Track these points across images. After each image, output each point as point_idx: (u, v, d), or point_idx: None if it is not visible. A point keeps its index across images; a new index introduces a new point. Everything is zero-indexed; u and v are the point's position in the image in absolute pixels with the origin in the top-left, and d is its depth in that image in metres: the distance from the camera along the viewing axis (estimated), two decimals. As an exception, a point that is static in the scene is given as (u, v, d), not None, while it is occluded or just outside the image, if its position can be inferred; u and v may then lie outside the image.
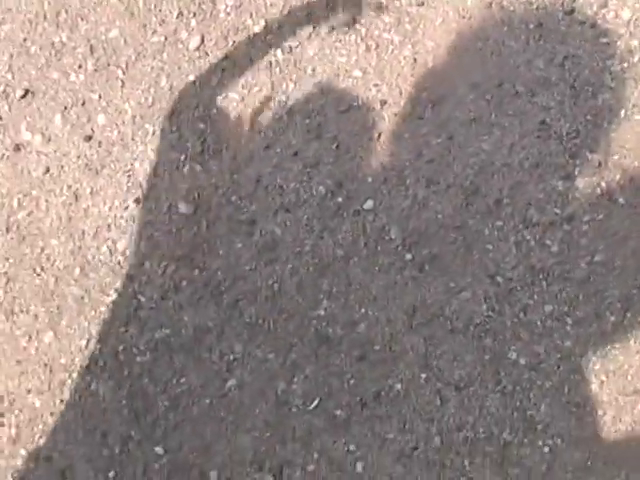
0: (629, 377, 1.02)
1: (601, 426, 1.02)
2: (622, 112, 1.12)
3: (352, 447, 1.03)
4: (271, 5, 1.24)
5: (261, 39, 1.18)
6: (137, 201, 1.19)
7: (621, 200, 1.12)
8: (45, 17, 1.33)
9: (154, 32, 1.21)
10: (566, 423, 1.03)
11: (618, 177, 1.12)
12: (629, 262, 1.11)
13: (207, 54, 1.17)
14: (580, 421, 1.01)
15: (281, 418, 1.04)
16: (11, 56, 1.30)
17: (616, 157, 1.12)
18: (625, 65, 1.11)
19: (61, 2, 1.30)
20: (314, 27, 1.17)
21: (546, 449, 1.01)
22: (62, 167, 1.25)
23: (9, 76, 1.30)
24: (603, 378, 1.04)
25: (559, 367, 1.06)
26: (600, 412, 1.05)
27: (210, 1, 1.24)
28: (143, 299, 1.17)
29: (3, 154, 1.25)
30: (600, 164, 1.13)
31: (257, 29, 1.22)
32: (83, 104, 1.29)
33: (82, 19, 1.33)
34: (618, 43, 1.14)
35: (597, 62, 1.13)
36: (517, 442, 1.02)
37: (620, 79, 1.12)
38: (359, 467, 1.01)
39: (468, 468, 1.01)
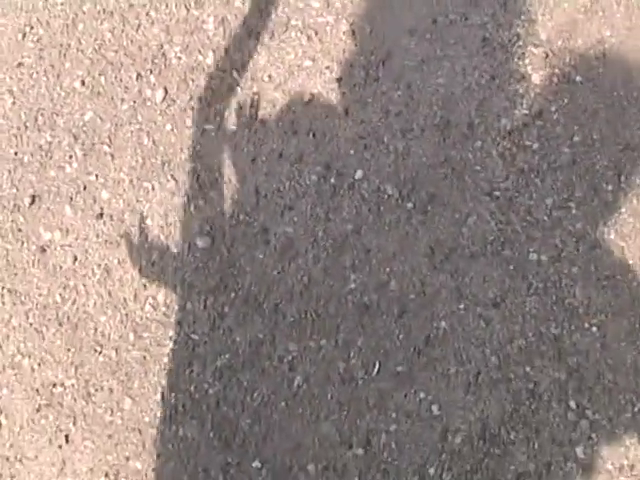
0: (646, 234, 1.20)
1: (636, 288, 1.12)
2: (551, 1, 1.28)
3: (422, 394, 1.15)
4: (214, 35, 1.42)
5: (216, 68, 1.35)
6: (160, 253, 1.36)
7: (578, 79, 1.25)
8: (26, 127, 1.52)
9: (122, 100, 1.43)
10: (603, 298, 1.13)
11: (568, 59, 1.26)
12: (605, 131, 1.22)
13: (174, 101, 1.45)
14: (615, 291, 1.14)
15: (351, 394, 1.16)
16: (9, 172, 1.50)
17: (559, 42, 1.26)
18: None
19: (35, 107, 1.49)
20: (257, 39, 1.33)
21: (594, 329, 1.14)
22: (86, 251, 1.42)
23: (14, 190, 1.49)
24: (622, 244, 1.14)
25: (578, 250, 1.18)
26: (630, 275, 1.17)
27: (160, 54, 1.42)
28: (196, 337, 1.34)
29: (32, 259, 1.43)
30: (547, 54, 1.27)
31: (209, 61, 1.41)
32: (85, 188, 1.48)
33: (57, 115, 1.53)
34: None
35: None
36: (566, 332, 1.15)
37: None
38: (435, 410, 1.13)
39: (531, 373, 1.13)
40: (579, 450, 1.10)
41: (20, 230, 1.34)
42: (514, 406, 1.14)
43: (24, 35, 1.60)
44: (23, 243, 1.33)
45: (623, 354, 1.10)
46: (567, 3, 1.27)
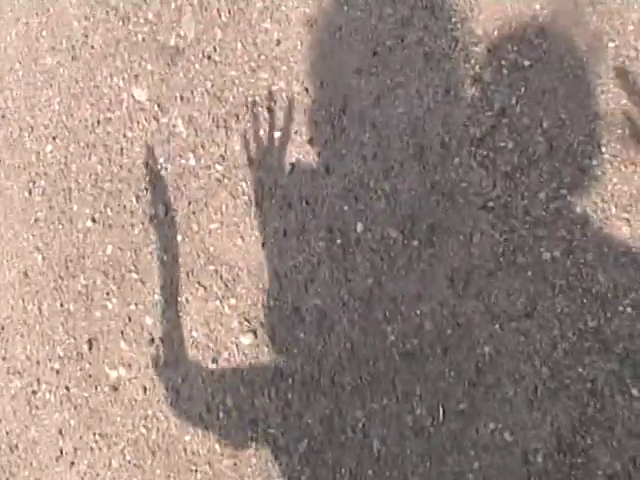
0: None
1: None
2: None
3: (492, 425, 1.99)
4: (187, 136, 2.42)
5: (200, 167, 2.41)
6: (214, 359, 2.62)
7: (526, 63, 2.02)
8: (61, 277, 2.94)
9: (132, 226, 2.40)
10: (627, 276, 1.92)
11: (510, 47, 2.04)
12: (570, 107, 1.99)
13: (176, 211, 2.40)
14: (635, 265, 1.91)
15: (428, 444, 2.03)
16: (62, 324, 2.78)
17: (496, 32, 2.06)
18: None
19: (62, 257, 2.45)
20: (225, 126, 2.38)
21: (629, 309, 1.89)
22: (152, 379, 2.32)
23: (71, 339, 2.83)
24: (625, 215, 1.91)
25: (586, 235, 1.95)
26: (645, 240, 1.69)
27: (149, 170, 2.50)
28: (273, 430, 2.16)
29: (109, 400, 2.62)
30: (489, 49, 2.05)
31: (192, 162, 2.35)
32: (130, 319, 2.71)
33: (83, 257, 2.79)
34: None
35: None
36: (604, 321, 1.91)
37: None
38: (507, 437, 1.98)
39: (585, 372, 1.92)
40: None
41: (90, 376, 2.39)
42: (580, 410, 1.92)
43: (30, 191, 2.95)
44: (96, 387, 2.39)
45: (667, 325, 1.65)
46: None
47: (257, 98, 2.16)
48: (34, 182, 2.45)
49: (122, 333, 2.36)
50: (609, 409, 1.95)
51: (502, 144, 1.93)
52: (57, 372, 2.42)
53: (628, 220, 1.81)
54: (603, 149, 1.84)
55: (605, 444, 1.94)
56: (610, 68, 1.96)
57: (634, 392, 1.90)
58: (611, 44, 1.85)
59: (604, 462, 1.94)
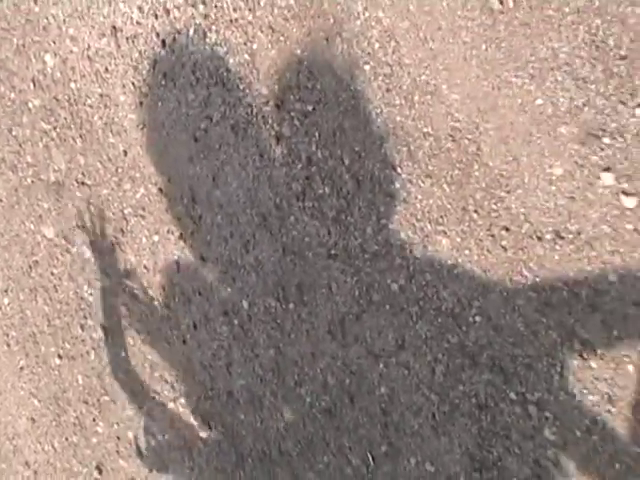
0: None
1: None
2: (249, 57, 2.58)
3: (413, 460, 2.41)
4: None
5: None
6: (190, 459, 3.41)
7: (309, 108, 2.46)
8: (58, 415, 3.88)
9: (88, 353, 3.08)
10: (462, 285, 2.38)
11: (291, 97, 2.52)
12: (360, 137, 2.43)
13: (113, 337, 3.48)
14: (463, 267, 2.37)
15: None
16: (73, 456, 3.87)
17: (276, 88, 2.53)
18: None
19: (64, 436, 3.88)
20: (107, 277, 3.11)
21: (477, 318, 2.32)
22: None
23: (84, 469, 3.09)
24: (442, 228, 2.34)
25: (417, 257, 2.42)
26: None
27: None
28: None
29: None
30: (277, 105, 2.52)
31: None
32: (118, 438, 3.36)
33: (65, 392, 3.73)
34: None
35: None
36: (462, 336, 2.33)
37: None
38: (429, 467, 2.42)
39: (466, 389, 2.37)
40: (547, 432, 2.23)
41: None
42: (477, 426, 2.31)
43: (8, 344, 3.60)
44: None
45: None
46: (256, 47, 2.53)
47: (126, 210, 2.93)
48: (7, 335, 3.38)
49: (117, 452, 3.23)
50: (499, 418, 2.37)
51: (320, 192, 2.50)
52: None
53: (445, 232, 2.34)
54: (399, 170, 2.38)
55: (509, 452, 2.31)
56: (375, 89, 2.39)
57: (512, 396, 2.30)
58: (367, 66, 2.40)
59: (514, 470, 2.36)
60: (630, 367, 2.15)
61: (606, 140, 2.10)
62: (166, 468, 2.91)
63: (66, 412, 3.13)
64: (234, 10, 2.40)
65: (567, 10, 2.07)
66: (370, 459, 2.65)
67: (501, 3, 2.02)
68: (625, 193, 1.97)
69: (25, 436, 3.28)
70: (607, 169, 2.12)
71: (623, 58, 2.01)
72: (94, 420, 3.02)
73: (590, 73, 2.09)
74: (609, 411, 2.21)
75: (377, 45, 2.25)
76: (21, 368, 3.21)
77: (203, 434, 2.80)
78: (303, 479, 2.73)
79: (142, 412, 2.93)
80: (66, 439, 3.13)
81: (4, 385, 3.29)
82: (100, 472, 3.06)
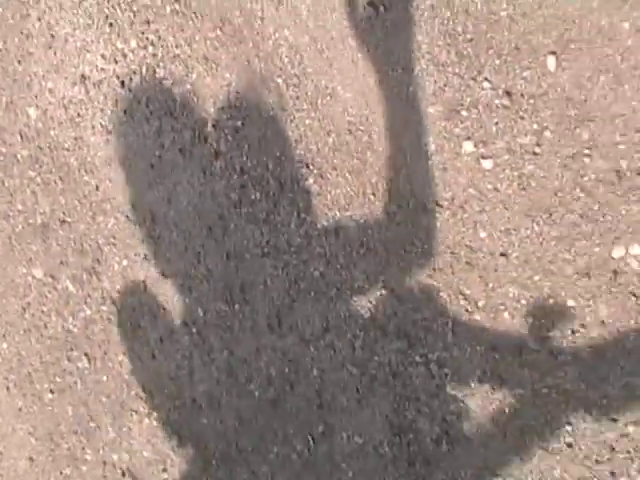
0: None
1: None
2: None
3: (344, 435, 2.95)
4: None
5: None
6: (164, 471, 4.06)
7: (239, 123, 3.17)
8: (52, 450, 4.58)
9: (76, 383, 3.80)
10: (365, 262, 3.09)
11: (223, 116, 3.19)
12: (279, 143, 3.12)
13: (95, 364, 4.29)
14: (369, 244, 3.22)
15: (313, 474, 3.18)
16: None
17: (211, 110, 3.30)
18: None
19: None
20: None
21: (383, 291, 2.83)
22: None
23: None
24: (347, 214, 3.25)
25: (330, 242, 3.07)
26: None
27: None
28: None
29: None
30: (214, 125, 3.17)
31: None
32: (105, 463, 4.02)
33: (58, 425, 4.48)
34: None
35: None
36: (374, 310, 2.91)
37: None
38: (358, 440, 2.95)
39: (380, 359, 2.90)
40: (449, 388, 2.66)
41: None
42: (392, 393, 2.80)
43: (7, 387, 4.70)
44: None
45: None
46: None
47: (103, 239, 3.73)
48: (7, 378, 4.14)
49: (104, 477, 3.95)
50: (408, 382, 2.89)
51: (253, 197, 3.25)
52: None
53: (351, 217, 3.05)
54: (311, 167, 3.13)
55: (420, 413, 2.94)
56: (287, 98, 3.09)
57: (417, 359, 2.97)
58: (279, 79, 3.19)
59: (427, 430, 3.04)
60: (506, 314, 2.64)
61: (464, 113, 2.66)
62: None
63: (59, 446, 3.83)
64: (176, 47, 3.13)
65: (423, 7, 2.71)
66: (311, 441, 3.18)
67: (375, 9, 2.74)
68: (483, 157, 2.58)
69: (24, 477, 3.99)
70: (468, 138, 2.68)
71: (469, 41, 2.58)
72: (83, 449, 3.72)
73: (447, 58, 2.68)
74: (495, 358, 2.83)
75: (286, 60, 2.91)
76: (19, 409, 3.94)
77: (174, 445, 3.46)
78: (259, 473, 3.18)
79: (123, 432, 3.64)
80: (60, 473, 3.83)
81: (6, 429, 4.01)
82: None
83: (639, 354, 2.37)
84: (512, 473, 2.63)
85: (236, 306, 3.04)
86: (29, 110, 3.49)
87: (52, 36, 3.64)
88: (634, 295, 2.33)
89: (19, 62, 3.53)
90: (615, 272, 2.36)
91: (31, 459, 3.82)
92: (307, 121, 2.93)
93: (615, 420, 2.58)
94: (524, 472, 2.62)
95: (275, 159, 2.90)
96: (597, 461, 2.46)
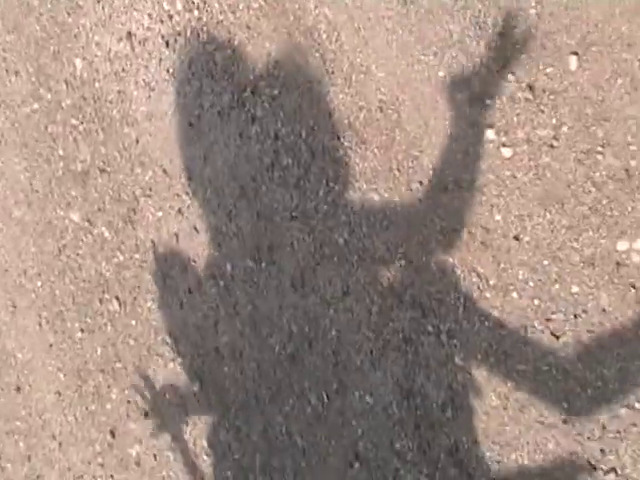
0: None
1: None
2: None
3: (357, 394, 3.24)
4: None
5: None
6: (186, 413, 4.41)
7: (275, 92, 3.40)
8: (79, 387, 4.91)
9: (105, 325, 4.22)
10: (389, 233, 3.26)
11: (262, 83, 3.47)
12: (314, 113, 3.43)
13: (125, 309, 4.63)
14: (390, 218, 3.29)
15: (325, 428, 3.52)
16: (92, 425, 4.80)
17: (251, 77, 3.51)
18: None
19: None
20: None
21: (402, 262, 3.07)
22: (158, 450, 4.62)
23: (100, 435, 4.43)
24: (374, 187, 3.26)
25: (356, 213, 3.32)
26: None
27: None
28: (236, 456, 4.19)
29: (136, 475, 4.76)
30: (252, 91, 3.42)
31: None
32: (128, 402, 4.43)
33: (86, 363, 4.78)
34: None
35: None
36: (392, 279, 3.08)
37: None
38: (369, 399, 3.31)
39: (395, 325, 3.20)
40: (457, 359, 3.25)
41: (121, 459, 4.02)
42: (403, 358, 3.06)
43: (40, 324, 4.50)
44: (127, 467, 4.06)
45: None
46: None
47: (139, 190, 4.08)
48: (39, 315, 4.51)
49: (128, 416, 4.33)
50: (420, 349, 3.19)
51: (285, 163, 3.55)
52: (102, 465, 4.45)
53: (376, 189, 3.36)
54: (342, 139, 3.43)
55: (428, 379, 3.25)
56: (323, 72, 3.34)
57: (429, 328, 3.29)
58: (317, 54, 3.48)
59: (433, 395, 3.29)
60: (515, 294, 2.95)
61: (488, 102, 2.89)
62: (166, 426, 3.98)
63: (86, 382, 4.19)
64: (220, 13, 3.41)
65: None
66: (325, 397, 3.46)
67: None
68: (504, 145, 2.84)
69: (52, 410, 4.33)
70: (490, 126, 2.93)
71: (499, 34, 2.82)
72: (109, 387, 4.08)
73: (476, 48, 2.92)
74: (501, 335, 3.12)
75: (324, 36, 3.18)
76: (50, 345, 4.30)
77: (196, 390, 3.82)
78: (273, 422, 3.49)
79: (148, 374, 4.01)
80: (86, 408, 4.19)
81: (36, 363, 4.36)
82: (113, 436, 4.10)
83: (635, 342, 2.66)
84: (510, 442, 2.91)
85: (263, 264, 3.35)
86: (75, 60, 3.80)
87: (102, -10, 3.42)
88: (634, 287, 2.62)
89: (68, 14, 3.83)
90: (618, 264, 2.62)
91: (58, 393, 4.17)
92: (341, 95, 3.19)
93: (608, 401, 2.69)
94: (521, 442, 2.89)
95: (308, 128, 3.18)
96: (589, 438, 2.73)
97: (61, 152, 3.93)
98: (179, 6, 3.40)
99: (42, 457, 4.29)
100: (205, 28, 3.36)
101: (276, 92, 3.18)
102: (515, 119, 2.68)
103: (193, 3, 3.35)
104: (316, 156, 3.10)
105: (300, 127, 3.13)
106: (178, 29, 3.41)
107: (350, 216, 3.06)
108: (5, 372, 4.42)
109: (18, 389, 4.36)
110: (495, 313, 3.06)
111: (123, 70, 3.64)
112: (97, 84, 3.74)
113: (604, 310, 2.63)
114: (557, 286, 2.68)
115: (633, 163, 2.52)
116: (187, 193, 3.52)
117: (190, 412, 3.71)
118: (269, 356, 3.41)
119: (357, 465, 3.51)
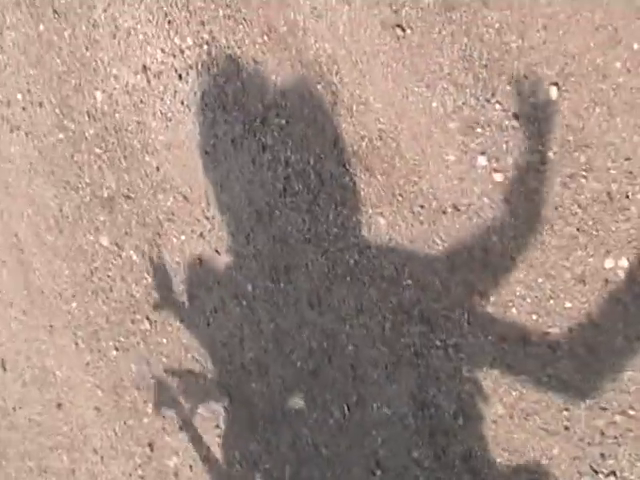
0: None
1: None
2: None
3: (375, 405, 3.24)
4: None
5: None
6: (217, 427, 4.71)
7: (283, 122, 3.65)
8: (116, 402, 5.24)
9: (138, 343, 4.63)
10: (397, 255, 3.53)
11: (271, 117, 3.79)
12: (319, 142, 3.66)
13: (156, 326, 4.90)
14: (396, 241, 3.55)
15: (347, 438, 3.78)
16: (131, 438, 5.06)
17: (260, 108, 3.76)
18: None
19: None
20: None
21: (409, 281, 3.31)
22: (194, 459, 4.96)
23: (139, 448, 4.62)
24: (380, 210, 3.47)
25: (364, 236, 3.56)
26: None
27: None
28: (267, 465, 4.55)
29: None
30: (262, 121, 3.67)
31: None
32: (164, 417, 5.11)
33: (122, 379, 4.85)
34: None
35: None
36: (400, 297, 3.49)
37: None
38: (386, 411, 3.53)
39: (406, 340, 3.49)
40: (464, 370, 3.65)
41: (160, 471, 4.78)
42: (416, 371, 3.32)
43: (76, 343, 5.34)
44: (165, 478, 4.40)
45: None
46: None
47: (162, 215, 4.42)
48: (75, 334, 4.88)
49: (163, 429, 4.68)
50: (430, 362, 3.42)
51: (296, 189, 3.86)
52: (142, 477, 4.81)
53: (381, 213, 3.62)
54: (347, 166, 3.71)
55: (439, 391, 3.51)
56: (326, 103, 3.58)
57: (437, 343, 3.59)
58: (319, 86, 3.74)
59: (445, 406, 3.63)
60: (514, 310, 3.23)
61: (479, 130, 3.11)
62: (200, 438, 4.33)
63: (123, 398, 4.52)
64: (228, 48, 3.66)
65: (444, 32, 3.14)
66: (346, 409, 3.70)
67: (403, 31, 3.30)
68: (495, 170, 3.11)
69: (92, 425, 4.67)
70: (482, 153, 3.16)
71: (484, 66, 3.06)
72: (145, 402, 4.42)
73: (465, 80, 3.12)
74: (503, 348, 3.36)
75: (325, 69, 3.42)
76: (87, 364, 4.64)
77: (226, 405, 4.16)
78: (300, 434, 3.81)
79: (180, 390, 4.36)
80: (124, 423, 4.54)
81: (74, 380, 4.71)
82: (152, 449, 4.45)
83: (626, 353, 2.93)
84: (518, 449, 3.18)
85: (281, 284, 3.63)
86: (96, 93, 4.11)
87: (116, 27, 4.11)
88: (621, 302, 2.89)
89: (87, 48, 4.11)
90: (606, 280, 2.88)
91: (97, 409, 4.50)
92: (343, 125, 3.38)
93: (605, 409, 3.03)
94: (527, 448, 3.16)
95: (316, 156, 3.44)
96: (589, 443, 2.98)
97: (87, 179, 4.26)
98: (189, 41, 3.70)
99: (85, 471, 4.62)
100: (215, 62, 3.65)
101: (284, 122, 3.48)
102: (504, 146, 2.94)
103: (202, 38, 3.64)
104: (325, 182, 3.39)
105: (308, 155, 3.42)
106: (190, 62, 3.70)
107: (359, 238, 3.35)
108: (46, 389, 4.74)
109: (59, 405, 4.68)
110: (497, 328, 3.29)
111: (141, 102, 3.95)
112: (117, 115, 4.06)
113: (596, 324, 2.92)
114: (552, 302, 2.95)
115: (614, 187, 2.79)
116: (207, 218, 3.84)
117: (222, 426, 4.04)
118: (292, 371, 3.73)
119: (379, 473, 3.63)
